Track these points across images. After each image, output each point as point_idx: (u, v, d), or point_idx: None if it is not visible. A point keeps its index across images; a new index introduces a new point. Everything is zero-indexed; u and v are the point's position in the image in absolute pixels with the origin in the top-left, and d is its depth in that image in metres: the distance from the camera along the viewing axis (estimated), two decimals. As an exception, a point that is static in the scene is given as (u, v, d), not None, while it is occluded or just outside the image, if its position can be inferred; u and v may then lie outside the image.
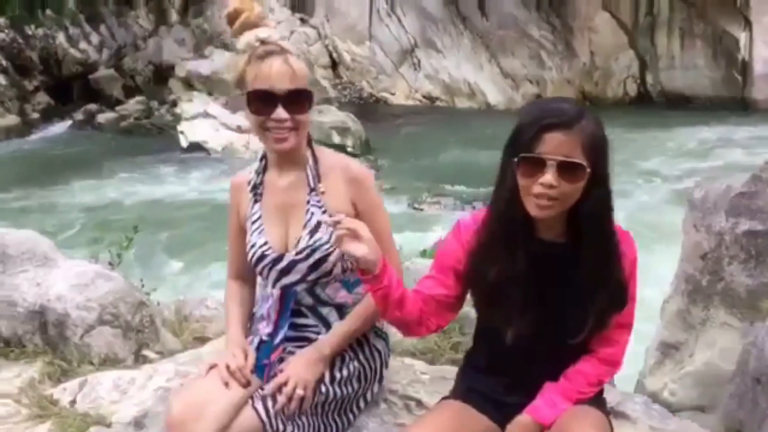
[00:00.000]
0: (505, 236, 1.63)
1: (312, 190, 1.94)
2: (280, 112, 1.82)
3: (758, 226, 5.11)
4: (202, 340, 2.99)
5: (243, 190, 2.03)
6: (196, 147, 15.62)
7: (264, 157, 2.03)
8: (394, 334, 2.12)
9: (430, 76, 20.15)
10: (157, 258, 9.67)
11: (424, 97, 20.27)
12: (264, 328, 2.00)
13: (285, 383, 1.82)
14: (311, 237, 1.91)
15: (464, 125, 17.94)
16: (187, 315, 3.23)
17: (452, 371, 2.36)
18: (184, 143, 15.72)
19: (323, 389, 1.88)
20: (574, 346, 1.70)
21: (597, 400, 1.75)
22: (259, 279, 2.12)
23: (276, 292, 1.96)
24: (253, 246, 1.96)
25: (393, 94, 20.52)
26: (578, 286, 1.63)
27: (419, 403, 2.22)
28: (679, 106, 17.67)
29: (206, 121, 16.09)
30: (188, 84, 19.06)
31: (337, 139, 14.06)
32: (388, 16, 20.11)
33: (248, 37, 1.84)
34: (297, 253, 1.91)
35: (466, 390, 1.83)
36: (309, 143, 1.99)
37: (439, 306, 1.73)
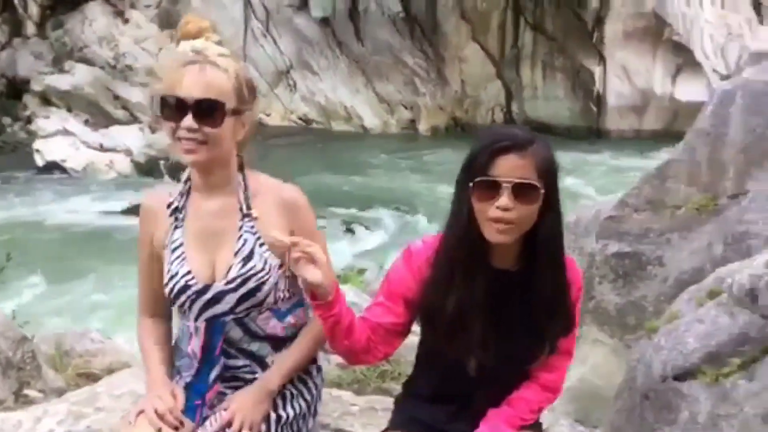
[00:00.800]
0: (464, 263, 1.59)
1: (245, 215, 1.82)
2: (188, 121, 1.70)
3: (626, 248, 5.44)
4: (87, 377, 2.74)
5: (159, 214, 1.87)
6: (53, 166, 14.58)
7: (188, 179, 1.88)
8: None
9: (306, 98, 20.10)
10: (21, 285, 8.88)
11: (300, 118, 20.17)
12: (188, 368, 1.84)
13: (229, 423, 1.71)
14: (244, 265, 1.78)
15: (340, 148, 18.04)
16: (68, 349, 2.95)
17: (382, 401, 2.36)
18: (39, 162, 14.67)
19: (267, 429, 1.78)
20: (517, 373, 1.70)
21: (535, 425, 1.75)
22: (176, 314, 1.95)
23: (200, 325, 1.81)
24: (173, 276, 1.81)
25: (269, 115, 20.24)
26: (533, 313, 1.61)
27: None
28: (541, 134, 18.71)
29: (65, 139, 15.11)
30: (45, 99, 17.79)
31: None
32: (263, 36, 19.89)
33: (184, 46, 1.74)
34: (227, 283, 1.78)
35: (408, 420, 1.78)
36: (240, 167, 1.85)
37: (387, 334, 1.70)
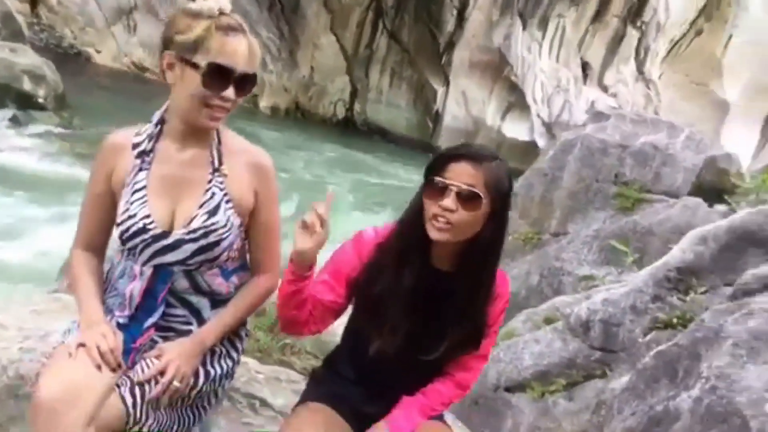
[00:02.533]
0: (400, 253, 1.67)
1: (216, 170, 1.77)
2: (231, 93, 1.67)
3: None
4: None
5: (123, 152, 1.77)
6: None
7: (160, 122, 1.77)
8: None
9: (145, 43, 18.89)
10: None
11: (134, 63, 18.91)
12: (122, 309, 1.75)
13: (161, 372, 1.66)
14: (208, 218, 1.73)
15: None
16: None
17: (285, 373, 2.41)
18: None
19: (195, 382, 1.74)
20: (433, 367, 1.78)
21: (440, 417, 1.86)
22: (114, 254, 1.84)
23: (147, 270, 1.73)
24: (131, 217, 1.73)
25: (99, 52, 18.78)
26: (446, 315, 1.69)
27: (264, 402, 2.21)
28: (377, 138, 19.30)
29: None
30: None
31: (28, 86, 12.29)
32: (113, -33, 18.44)
33: (212, 3, 1.66)
34: (188, 232, 1.72)
35: (331, 395, 1.82)
36: None
37: (325, 310, 1.75)
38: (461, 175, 1.59)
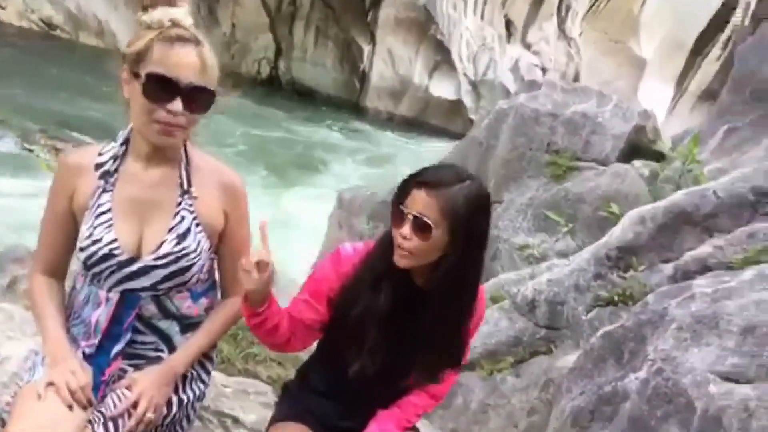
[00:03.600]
0: (376, 275, 1.66)
1: (185, 192, 1.67)
2: (177, 106, 1.56)
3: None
4: None
5: (85, 173, 1.67)
6: None
7: (126, 142, 1.67)
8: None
9: (54, 0, 17.83)
10: None
11: (42, 20, 17.82)
12: (87, 338, 1.66)
13: (134, 405, 1.59)
14: (178, 243, 1.65)
15: (89, 65, 16.32)
16: None
17: (253, 384, 2.37)
18: None
19: (168, 410, 1.68)
20: (410, 382, 1.78)
21: (413, 427, 1.87)
22: (74, 279, 1.73)
23: (113, 296, 1.64)
24: (96, 242, 1.62)
25: (3, 8, 17.58)
26: (424, 335, 1.68)
27: (236, 420, 2.17)
28: (303, 97, 19.01)
29: None
30: None
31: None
32: None
33: (161, 14, 1.56)
34: (157, 258, 1.63)
35: (303, 411, 1.82)
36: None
37: (306, 329, 1.74)
38: (417, 202, 1.57)
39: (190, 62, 1.55)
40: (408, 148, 17.26)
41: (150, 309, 1.67)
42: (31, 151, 10.85)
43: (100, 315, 1.65)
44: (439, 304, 1.65)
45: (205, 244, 1.69)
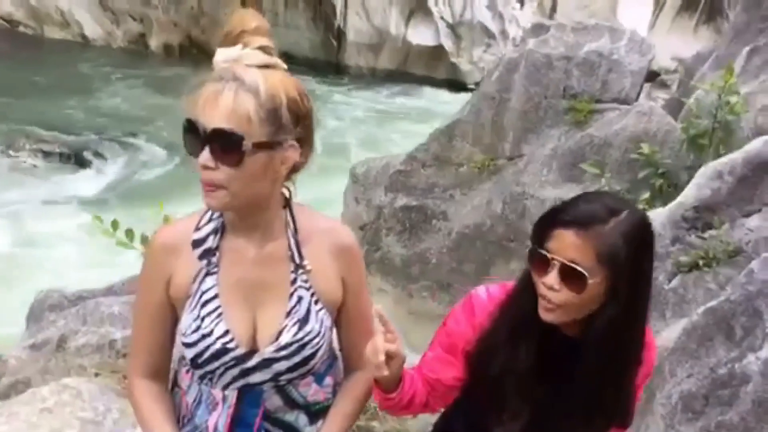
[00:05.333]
0: (512, 329, 1.43)
1: (298, 266, 1.43)
2: (204, 157, 1.28)
3: (413, 201, 5.65)
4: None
5: (182, 252, 1.42)
6: None
7: (222, 214, 1.42)
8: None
9: (14, -6, 17.16)
10: None
11: (3, 18, 17.16)
12: None
13: None
14: (300, 328, 1.41)
15: (55, 60, 15.80)
16: None
17: None
18: None
19: None
20: None
21: None
22: (175, 376, 1.51)
23: (230, 394, 1.42)
24: (206, 336, 1.39)
25: (-41, 11, 16.93)
26: (577, 393, 1.44)
27: None
28: (286, 63, 18.48)
29: None
30: None
31: None
32: None
33: (218, 55, 1.30)
34: (278, 349, 1.40)
35: None
36: (287, 203, 1.44)
37: (447, 390, 1.54)
38: (564, 246, 1.31)
39: (217, 101, 1.26)
40: (395, 102, 16.92)
41: (274, 402, 1.45)
42: (17, 157, 10.52)
43: (217, 417, 1.43)
44: (596, 361, 1.38)
45: (327, 322, 1.46)
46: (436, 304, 5.42)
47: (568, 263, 1.31)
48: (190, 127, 1.28)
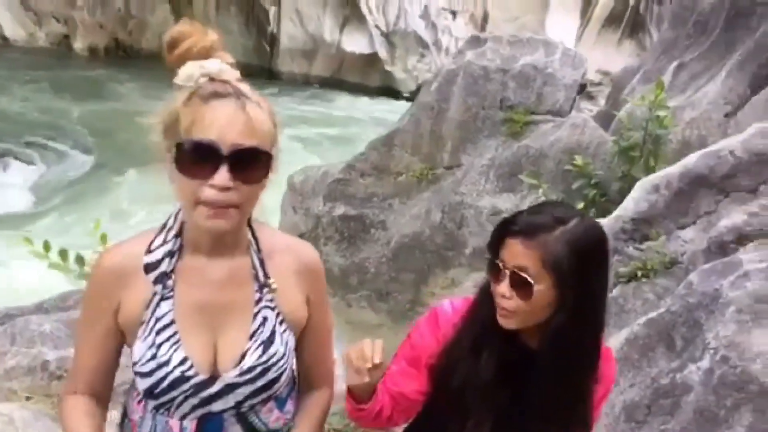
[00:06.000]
0: (474, 340, 1.43)
1: (263, 285, 1.35)
2: (222, 177, 1.20)
3: (351, 211, 5.62)
4: None
5: (133, 278, 1.32)
6: None
7: (179, 234, 1.32)
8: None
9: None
10: None
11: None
12: None
13: None
14: (265, 350, 1.34)
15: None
16: None
17: None
18: None
19: None
20: None
21: None
22: (126, 407, 1.41)
23: (189, 424, 1.33)
24: (163, 364, 1.30)
25: None
26: (537, 403, 1.44)
27: None
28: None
29: None
30: None
31: None
32: None
33: (191, 69, 1.23)
34: (242, 373, 1.32)
35: None
36: (248, 220, 1.35)
37: (410, 403, 1.54)
38: (513, 255, 1.34)
39: (230, 118, 1.21)
40: (329, 109, 16.85)
41: (235, 430, 1.38)
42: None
43: None
44: (550, 371, 1.39)
45: (291, 344, 1.40)
46: (375, 314, 5.40)
47: (516, 271, 1.34)
48: (198, 148, 1.20)
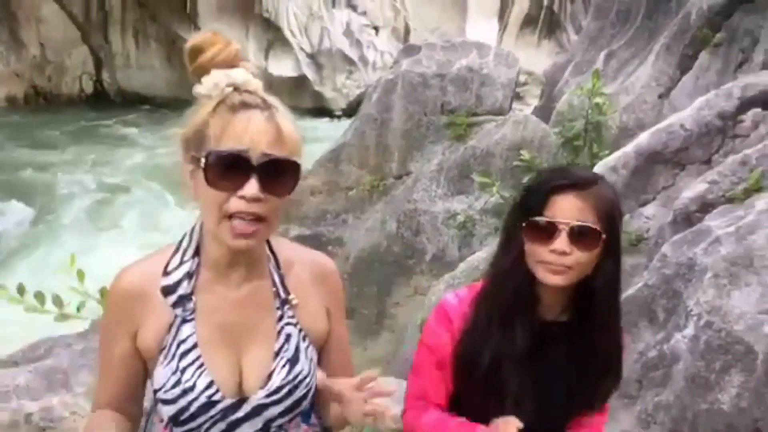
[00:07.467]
0: (504, 311, 1.41)
1: (284, 302, 1.31)
2: (252, 188, 1.16)
3: (306, 231, 5.56)
4: None
5: (149, 300, 1.26)
6: None
7: (196, 254, 1.26)
8: None
9: None
10: None
11: None
12: None
13: None
14: (291, 369, 1.29)
15: None
16: None
17: None
18: None
19: None
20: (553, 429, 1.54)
21: None
22: (156, 428, 1.33)
23: None
24: (188, 390, 1.24)
25: None
26: (585, 369, 1.45)
27: None
28: (136, 106, 17.83)
29: None
30: None
31: None
32: None
33: (216, 78, 1.19)
34: (269, 394, 1.27)
35: None
36: None
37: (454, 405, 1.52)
38: (569, 209, 1.34)
39: (260, 129, 1.17)
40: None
41: None
42: None
43: None
44: (606, 317, 1.44)
45: (315, 357, 1.35)
46: (341, 332, 5.35)
47: (578, 224, 1.34)
48: (229, 159, 1.15)
